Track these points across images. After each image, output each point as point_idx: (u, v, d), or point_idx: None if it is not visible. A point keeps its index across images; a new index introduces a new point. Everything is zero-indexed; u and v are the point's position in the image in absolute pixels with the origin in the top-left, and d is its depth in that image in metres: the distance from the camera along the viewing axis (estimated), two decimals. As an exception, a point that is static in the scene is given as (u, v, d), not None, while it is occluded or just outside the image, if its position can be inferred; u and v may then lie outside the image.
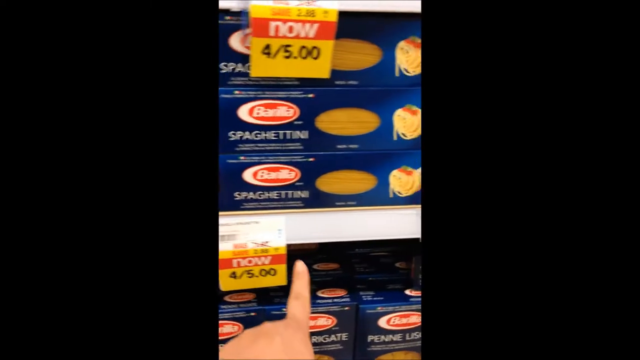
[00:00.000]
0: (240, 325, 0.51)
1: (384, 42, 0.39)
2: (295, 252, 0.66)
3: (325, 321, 0.52)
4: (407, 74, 0.41)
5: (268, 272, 0.45)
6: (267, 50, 0.36)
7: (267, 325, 0.36)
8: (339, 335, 0.53)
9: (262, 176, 0.42)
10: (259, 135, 0.41)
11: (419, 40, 0.40)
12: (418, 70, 0.41)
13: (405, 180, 0.45)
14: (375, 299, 0.53)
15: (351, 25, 0.38)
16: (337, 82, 0.40)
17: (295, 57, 0.36)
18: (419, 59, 0.41)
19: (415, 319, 0.54)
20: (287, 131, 0.41)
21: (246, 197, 0.43)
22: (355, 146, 0.43)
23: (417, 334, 0.55)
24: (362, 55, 0.40)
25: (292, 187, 0.43)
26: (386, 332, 0.54)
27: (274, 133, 0.41)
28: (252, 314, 0.51)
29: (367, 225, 0.46)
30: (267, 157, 0.41)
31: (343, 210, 0.45)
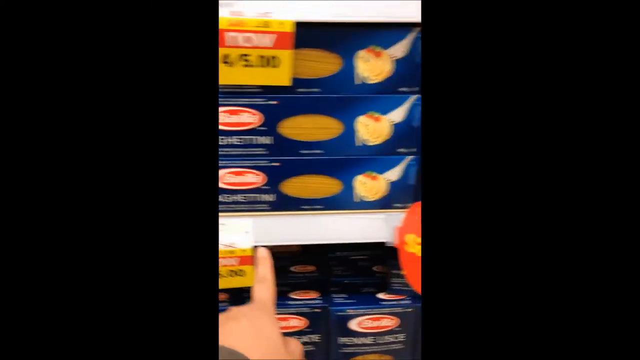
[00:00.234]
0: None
1: (344, 51, 0.41)
2: (277, 255, 0.67)
3: (297, 322, 0.54)
4: (369, 81, 0.42)
5: (237, 273, 0.46)
6: (226, 60, 0.37)
7: (234, 309, 0.36)
8: (311, 336, 0.54)
9: (228, 180, 0.44)
10: (223, 140, 0.42)
11: (379, 50, 0.41)
12: (380, 78, 0.42)
13: (371, 185, 0.46)
14: (346, 301, 0.54)
15: (310, 35, 0.39)
16: (300, 90, 0.42)
17: (254, 66, 0.38)
18: (381, 68, 0.42)
19: (387, 322, 0.54)
20: (251, 137, 0.42)
21: (214, 199, 0.44)
22: (320, 151, 0.44)
23: (391, 337, 0.56)
24: (323, 64, 0.41)
25: (258, 190, 0.44)
26: (357, 334, 0.54)
27: (238, 138, 0.42)
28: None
29: (335, 229, 0.47)
30: (232, 161, 0.43)
31: (310, 213, 0.47)
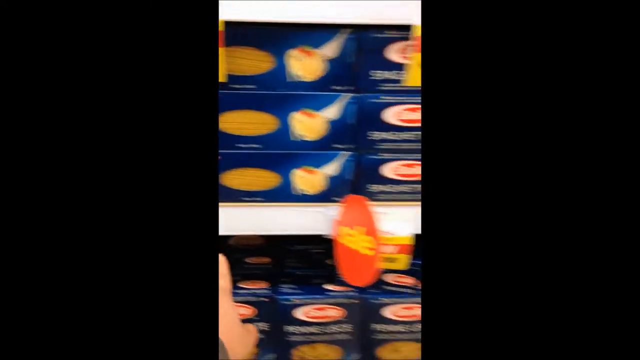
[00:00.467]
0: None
1: (275, 50, 0.43)
2: (238, 247, 0.69)
3: (245, 310, 0.56)
4: (302, 79, 0.44)
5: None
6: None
7: None
8: (259, 324, 0.57)
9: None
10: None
11: (310, 49, 0.43)
12: (313, 77, 0.44)
13: (309, 179, 0.48)
14: (293, 291, 0.56)
15: (241, 34, 0.41)
16: (234, 86, 0.44)
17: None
18: (314, 66, 0.44)
19: (333, 312, 0.56)
20: (190, 130, 0.44)
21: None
22: (258, 146, 0.46)
23: (336, 327, 0.58)
24: (255, 62, 0.43)
25: (198, 182, 0.47)
26: (304, 323, 0.56)
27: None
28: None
29: (275, 221, 0.49)
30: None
31: (251, 205, 0.49)
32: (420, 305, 0.56)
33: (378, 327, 0.58)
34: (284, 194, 0.48)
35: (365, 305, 0.56)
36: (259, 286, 0.57)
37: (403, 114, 0.46)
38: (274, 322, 0.57)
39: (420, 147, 0.48)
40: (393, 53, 0.43)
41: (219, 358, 0.35)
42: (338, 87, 0.45)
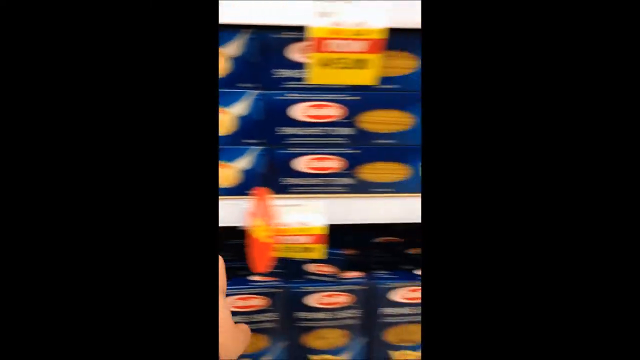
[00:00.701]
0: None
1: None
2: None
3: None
4: (209, 78, 0.46)
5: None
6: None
7: None
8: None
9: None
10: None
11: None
12: (220, 75, 0.46)
13: (222, 173, 0.50)
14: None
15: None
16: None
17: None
18: (219, 65, 0.46)
19: (257, 302, 0.59)
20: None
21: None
22: (169, 141, 0.48)
23: (260, 316, 0.60)
24: (160, 61, 0.45)
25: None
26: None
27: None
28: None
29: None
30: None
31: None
32: (340, 294, 0.59)
33: (302, 315, 0.60)
34: (198, 188, 0.50)
35: (287, 295, 0.58)
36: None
37: (309, 110, 0.48)
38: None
39: (329, 141, 0.50)
40: (294, 52, 0.46)
41: None
42: (243, 85, 0.47)
